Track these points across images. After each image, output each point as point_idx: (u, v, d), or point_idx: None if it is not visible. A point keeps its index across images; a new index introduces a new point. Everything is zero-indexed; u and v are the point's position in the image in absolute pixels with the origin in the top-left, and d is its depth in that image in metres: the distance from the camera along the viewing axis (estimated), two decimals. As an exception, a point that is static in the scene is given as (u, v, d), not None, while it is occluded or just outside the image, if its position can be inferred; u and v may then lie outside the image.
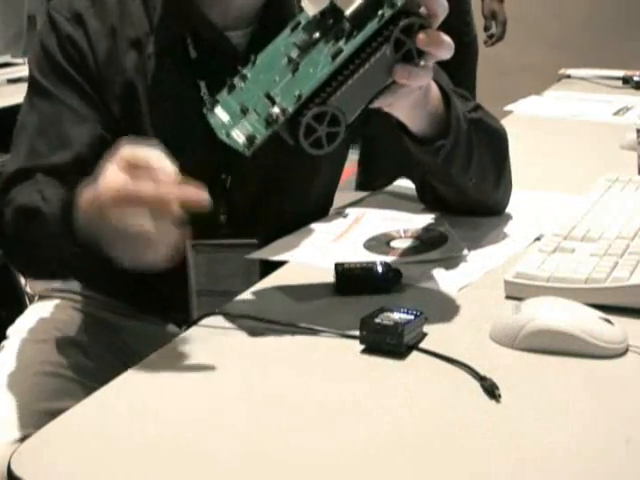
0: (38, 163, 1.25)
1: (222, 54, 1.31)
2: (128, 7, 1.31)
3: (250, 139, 1.03)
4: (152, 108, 1.30)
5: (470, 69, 3.41)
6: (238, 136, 1.04)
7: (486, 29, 3.70)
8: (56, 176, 1.22)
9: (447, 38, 1.08)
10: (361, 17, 1.04)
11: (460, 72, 3.05)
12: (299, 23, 1.09)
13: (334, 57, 1.03)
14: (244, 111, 1.05)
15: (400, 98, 1.12)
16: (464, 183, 1.30)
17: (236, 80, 1.08)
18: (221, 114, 1.07)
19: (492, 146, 1.33)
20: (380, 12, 1.03)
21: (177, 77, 1.31)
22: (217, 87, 1.29)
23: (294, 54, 1.06)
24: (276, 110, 1.02)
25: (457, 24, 3.17)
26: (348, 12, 1.04)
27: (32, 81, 1.32)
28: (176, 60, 1.31)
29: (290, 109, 1.02)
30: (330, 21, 1.06)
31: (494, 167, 1.34)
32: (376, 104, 1.11)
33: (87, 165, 1.13)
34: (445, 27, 1.07)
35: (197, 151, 1.27)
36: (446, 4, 1.07)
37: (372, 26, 1.03)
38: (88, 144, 1.26)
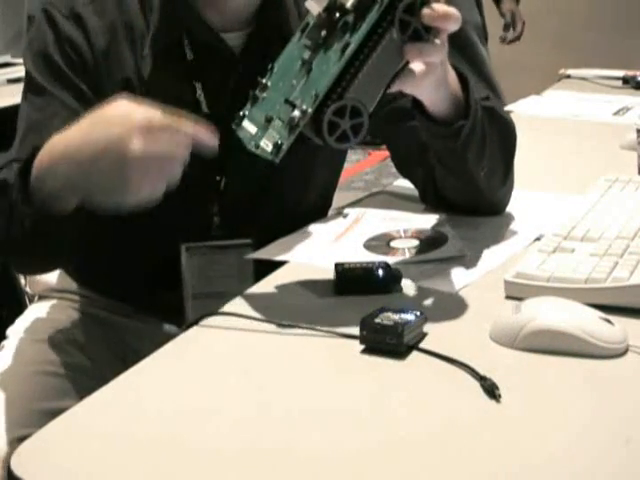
0: (18, 156, 1.23)
1: (218, 56, 1.31)
2: (126, 4, 1.30)
3: (277, 146, 1.05)
4: None
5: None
6: (267, 145, 1.05)
7: (507, 27, 3.72)
8: None
9: (452, 9, 1.08)
10: (362, 6, 1.05)
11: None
12: (308, 24, 1.09)
13: (343, 51, 1.04)
14: (269, 120, 1.06)
15: (423, 79, 1.13)
16: (477, 172, 1.30)
17: (257, 91, 1.09)
18: (249, 127, 1.08)
19: (503, 138, 1.34)
20: None
21: (173, 78, 1.30)
22: (213, 89, 1.30)
23: (306, 55, 1.07)
24: (297, 113, 1.04)
25: None
26: (349, 4, 1.05)
27: (28, 77, 1.31)
28: (172, 61, 1.30)
29: (310, 110, 1.04)
30: (336, 16, 1.06)
31: (503, 161, 1.35)
32: (397, 87, 1.12)
33: None
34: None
35: (191, 153, 1.26)
36: None
37: (373, 14, 1.04)
38: None
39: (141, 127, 1.03)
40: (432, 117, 1.24)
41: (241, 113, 1.09)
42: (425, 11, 1.06)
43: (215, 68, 1.31)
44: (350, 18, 1.05)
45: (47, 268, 1.35)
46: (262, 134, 1.06)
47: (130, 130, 1.02)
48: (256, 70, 1.27)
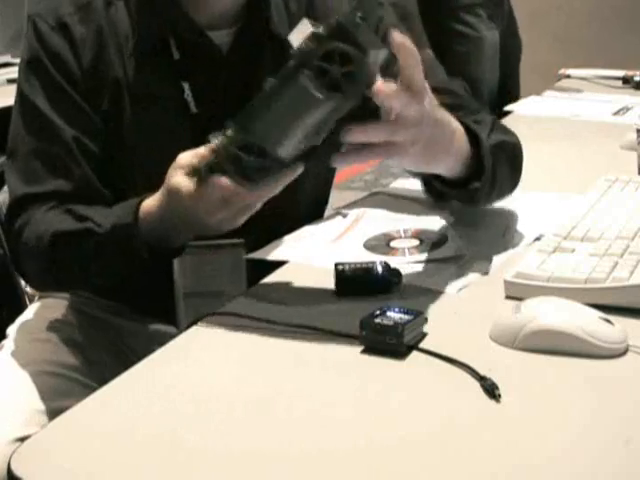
0: (33, 191, 1.27)
1: (206, 55, 1.31)
2: (112, 10, 1.30)
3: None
4: (135, 110, 1.29)
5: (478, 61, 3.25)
6: None
7: None
8: (62, 200, 1.26)
9: (393, 87, 1.03)
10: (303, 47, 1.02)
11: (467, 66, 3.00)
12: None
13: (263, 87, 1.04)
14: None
15: (402, 156, 1.10)
16: (487, 202, 1.32)
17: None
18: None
19: (511, 163, 1.33)
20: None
21: (160, 79, 1.30)
22: (201, 88, 1.29)
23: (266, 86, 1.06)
24: (219, 138, 1.09)
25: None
26: (295, 45, 1.03)
27: (21, 96, 1.31)
28: (159, 62, 1.30)
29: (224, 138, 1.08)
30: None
31: (511, 180, 1.35)
32: (379, 160, 1.15)
33: (90, 188, 1.27)
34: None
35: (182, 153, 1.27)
36: (416, 54, 1.04)
37: (295, 53, 1.02)
38: (78, 176, 1.27)
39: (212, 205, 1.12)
40: (443, 179, 1.24)
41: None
42: (377, 87, 1.01)
43: (202, 67, 1.31)
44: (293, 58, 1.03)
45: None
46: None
47: (202, 210, 1.12)
48: (244, 68, 1.28)
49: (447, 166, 1.21)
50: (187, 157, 1.13)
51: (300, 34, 1.02)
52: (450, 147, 1.18)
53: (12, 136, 1.31)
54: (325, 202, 1.49)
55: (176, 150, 1.21)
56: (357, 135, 1.05)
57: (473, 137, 1.22)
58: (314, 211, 1.44)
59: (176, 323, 1.28)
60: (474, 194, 1.25)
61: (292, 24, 1.32)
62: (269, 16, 1.32)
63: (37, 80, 1.29)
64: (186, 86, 1.30)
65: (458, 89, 1.37)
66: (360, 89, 1.01)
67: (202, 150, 1.12)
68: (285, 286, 1.18)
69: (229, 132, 1.07)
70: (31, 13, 1.32)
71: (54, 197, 1.26)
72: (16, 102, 1.32)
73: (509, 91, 2.98)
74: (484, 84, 3.02)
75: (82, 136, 1.28)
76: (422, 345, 1.00)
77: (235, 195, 1.10)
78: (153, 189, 1.18)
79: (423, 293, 1.14)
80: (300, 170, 1.10)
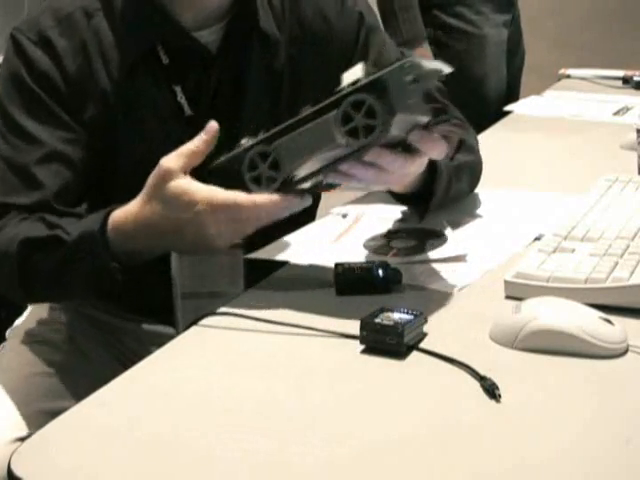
0: (10, 201, 1.25)
1: (194, 56, 1.30)
2: (93, 20, 1.29)
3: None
4: (129, 119, 1.29)
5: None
6: None
7: None
8: (38, 210, 1.24)
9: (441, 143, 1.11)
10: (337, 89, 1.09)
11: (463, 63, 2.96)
12: None
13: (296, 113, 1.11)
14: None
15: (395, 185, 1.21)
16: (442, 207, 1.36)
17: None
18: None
19: (469, 183, 1.41)
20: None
21: (151, 85, 1.29)
22: (194, 90, 1.29)
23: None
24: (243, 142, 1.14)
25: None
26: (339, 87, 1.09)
27: (1, 109, 1.29)
28: (149, 68, 1.29)
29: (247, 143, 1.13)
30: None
31: (465, 195, 1.42)
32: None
33: (58, 203, 1.24)
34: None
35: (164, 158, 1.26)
36: (443, 148, 1.12)
37: (336, 92, 1.08)
38: (55, 189, 1.25)
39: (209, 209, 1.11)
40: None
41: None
42: (416, 133, 1.08)
43: (193, 69, 1.30)
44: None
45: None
46: None
47: (202, 216, 1.11)
48: (233, 66, 1.27)
49: (405, 188, 1.27)
50: (175, 160, 1.12)
51: (351, 75, 1.08)
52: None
53: None
54: (316, 205, 1.48)
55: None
56: (384, 157, 1.09)
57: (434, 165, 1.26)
58: (307, 214, 1.44)
59: (174, 323, 1.28)
60: (426, 209, 1.31)
61: (276, 19, 1.33)
62: (255, 10, 1.32)
63: (17, 94, 1.27)
64: (178, 89, 1.29)
65: (440, 96, 1.42)
66: (376, 142, 1.06)
67: (186, 151, 1.12)
68: (285, 286, 1.18)
69: (254, 140, 1.12)
70: (13, 28, 1.31)
71: (30, 208, 1.24)
72: None
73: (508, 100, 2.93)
74: (487, 85, 2.98)
75: (63, 148, 1.26)
76: (422, 345, 1.00)
77: (251, 207, 1.10)
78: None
79: (423, 293, 1.14)
80: (308, 202, 1.13)
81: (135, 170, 1.16)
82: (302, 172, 1.11)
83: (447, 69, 1.10)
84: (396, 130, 1.06)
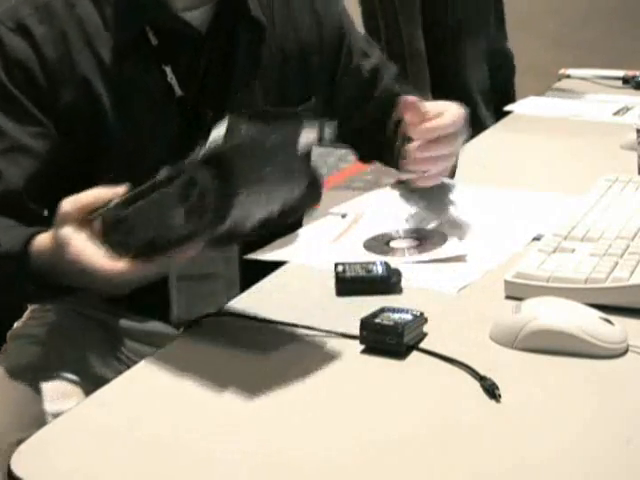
0: None
1: (183, 37, 1.30)
2: (76, 8, 1.28)
3: None
4: (118, 103, 1.27)
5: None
6: None
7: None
8: None
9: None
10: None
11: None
12: None
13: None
14: None
15: None
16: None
17: None
18: None
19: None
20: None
21: (141, 66, 1.28)
22: (184, 70, 1.29)
23: None
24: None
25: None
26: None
27: None
28: (138, 50, 1.28)
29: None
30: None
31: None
32: None
33: (17, 200, 1.21)
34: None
35: (171, 138, 1.26)
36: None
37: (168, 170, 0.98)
38: (15, 180, 1.23)
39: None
40: None
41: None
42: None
43: (183, 50, 1.30)
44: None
45: None
46: None
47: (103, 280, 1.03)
48: (222, 46, 1.27)
49: None
50: (73, 203, 1.07)
51: (216, 132, 0.95)
52: None
53: None
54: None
55: (164, 135, 1.19)
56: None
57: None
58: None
59: (170, 313, 1.28)
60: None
61: (261, 7, 1.34)
62: None
63: None
64: (168, 70, 1.29)
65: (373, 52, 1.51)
66: (213, 227, 0.94)
67: (85, 197, 1.07)
68: (285, 286, 1.18)
69: (114, 203, 1.03)
70: None
71: None
72: None
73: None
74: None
75: (27, 141, 1.24)
76: (422, 345, 1.00)
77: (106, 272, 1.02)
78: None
79: (423, 293, 1.14)
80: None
81: (125, 158, 1.15)
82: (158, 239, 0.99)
83: (312, 134, 0.98)
84: (254, 205, 0.94)
